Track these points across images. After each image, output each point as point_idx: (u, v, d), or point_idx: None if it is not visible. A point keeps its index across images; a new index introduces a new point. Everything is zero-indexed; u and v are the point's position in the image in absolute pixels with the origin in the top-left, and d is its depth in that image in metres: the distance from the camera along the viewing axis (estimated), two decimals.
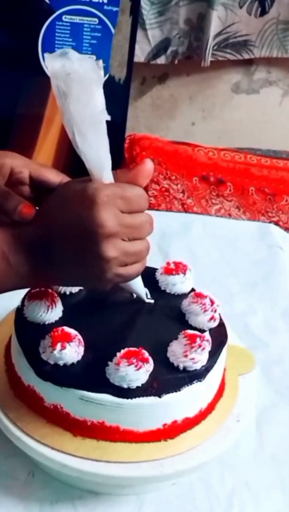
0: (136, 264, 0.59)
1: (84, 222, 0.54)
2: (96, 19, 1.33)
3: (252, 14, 1.66)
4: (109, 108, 1.60)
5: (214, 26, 1.64)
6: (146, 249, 0.59)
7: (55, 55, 0.52)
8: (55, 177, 0.63)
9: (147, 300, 0.71)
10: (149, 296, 0.72)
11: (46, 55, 0.53)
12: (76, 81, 0.52)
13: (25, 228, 0.58)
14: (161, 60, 1.67)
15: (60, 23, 1.34)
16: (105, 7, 1.32)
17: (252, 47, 1.72)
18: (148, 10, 1.57)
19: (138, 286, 0.69)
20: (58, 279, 0.62)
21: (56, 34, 1.35)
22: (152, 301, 0.72)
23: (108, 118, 0.54)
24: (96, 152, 0.55)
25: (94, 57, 0.52)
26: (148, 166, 0.58)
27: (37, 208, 0.60)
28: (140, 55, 1.61)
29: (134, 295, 0.71)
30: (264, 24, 1.69)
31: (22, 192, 0.63)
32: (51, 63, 0.52)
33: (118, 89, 1.41)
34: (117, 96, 1.42)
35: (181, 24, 1.64)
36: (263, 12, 1.66)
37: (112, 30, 1.34)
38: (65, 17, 1.33)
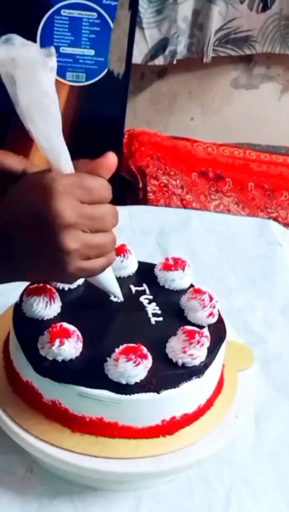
0: (101, 258, 0.56)
1: (41, 213, 0.52)
2: (95, 14, 1.32)
3: (254, 9, 1.65)
4: (108, 103, 1.59)
5: (215, 21, 1.62)
6: (110, 242, 0.56)
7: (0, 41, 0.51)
8: (18, 164, 0.61)
9: (118, 299, 0.69)
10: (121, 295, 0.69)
11: None
12: (21, 65, 0.51)
13: None
14: (159, 61, 1.63)
15: (59, 17, 1.33)
16: (104, 1, 1.31)
17: (254, 42, 1.71)
18: (145, 9, 1.54)
19: (110, 284, 0.66)
20: (23, 273, 0.58)
21: (55, 28, 1.34)
22: (121, 299, 0.69)
23: (57, 103, 0.52)
24: (47, 139, 0.54)
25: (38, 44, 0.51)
26: (111, 158, 0.56)
27: None
28: (137, 56, 1.57)
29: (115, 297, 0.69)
30: (266, 19, 1.67)
31: None
32: None
33: (117, 84, 1.40)
34: (116, 91, 1.41)
35: (180, 22, 1.61)
36: (265, 8, 1.65)
37: (111, 25, 1.34)
38: (63, 11, 1.32)
